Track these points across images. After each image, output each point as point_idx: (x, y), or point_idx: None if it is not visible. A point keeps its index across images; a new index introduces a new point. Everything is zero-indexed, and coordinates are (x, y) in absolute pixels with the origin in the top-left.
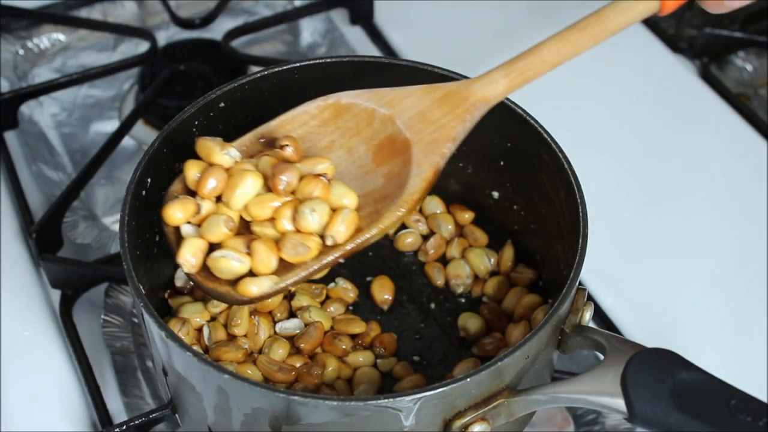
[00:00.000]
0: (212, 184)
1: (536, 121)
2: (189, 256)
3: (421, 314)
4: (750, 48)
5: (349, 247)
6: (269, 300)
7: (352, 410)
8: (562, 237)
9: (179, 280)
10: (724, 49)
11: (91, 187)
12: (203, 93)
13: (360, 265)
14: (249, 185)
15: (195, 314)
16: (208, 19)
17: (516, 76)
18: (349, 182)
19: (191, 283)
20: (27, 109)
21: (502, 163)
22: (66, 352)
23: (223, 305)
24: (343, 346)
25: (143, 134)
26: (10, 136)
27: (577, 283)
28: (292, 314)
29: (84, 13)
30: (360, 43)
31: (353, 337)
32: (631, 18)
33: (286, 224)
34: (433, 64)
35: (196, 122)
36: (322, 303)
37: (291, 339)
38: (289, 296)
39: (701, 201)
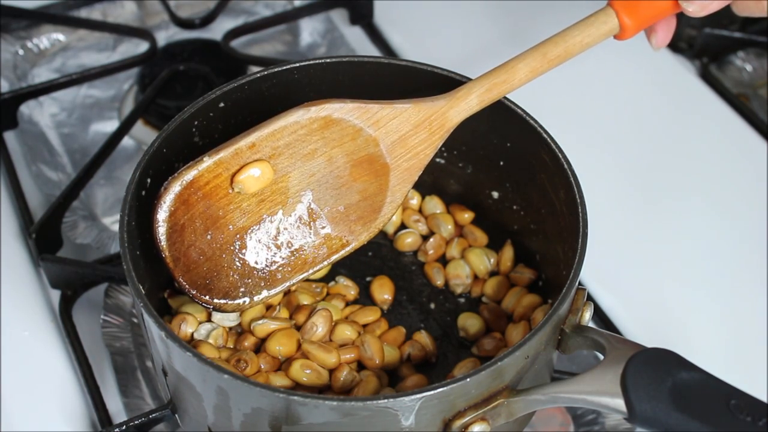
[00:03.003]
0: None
1: (536, 121)
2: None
3: (421, 314)
4: (750, 48)
5: (325, 262)
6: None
7: (352, 410)
8: (562, 237)
9: None
10: (723, 49)
11: (91, 187)
12: (203, 93)
13: (360, 265)
14: None
15: (195, 314)
16: (207, 19)
17: (488, 100)
18: (325, 191)
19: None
20: (27, 109)
21: (502, 163)
22: (66, 353)
23: None
24: (347, 332)
25: (143, 134)
26: (9, 136)
27: (576, 283)
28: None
29: (84, 13)
30: (360, 43)
31: (364, 326)
32: (591, 41)
33: None
34: (433, 64)
35: (196, 122)
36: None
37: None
38: (289, 295)
39: (701, 201)
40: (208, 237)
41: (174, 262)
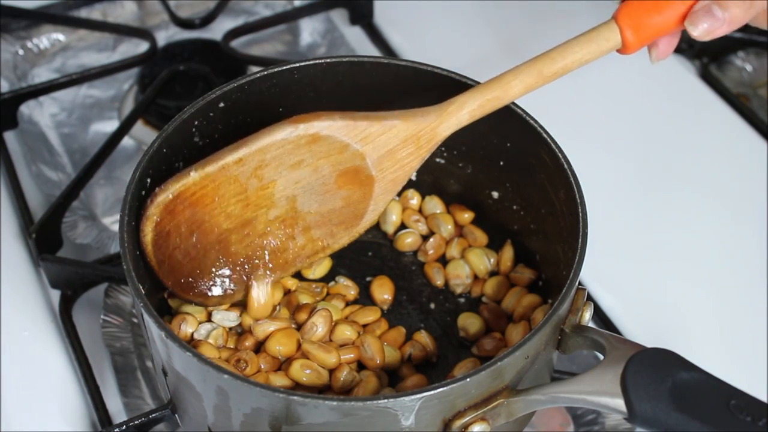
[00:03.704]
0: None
1: (536, 121)
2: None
3: (421, 314)
4: (750, 48)
5: (306, 262)
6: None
7: (352, 410)
8: (562, 237)
9: None
10: (724, 49)
11: (91, 187)
12: (203, 93)
13: (360, 265)
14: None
15: (195, 314)
16: (207, 19)
17: (479, 115)
18: (309, 196)
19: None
20: (27, 109)
21: (502, 163)
22: (66, 352)
23: (223, 306)
24: (347, 332)
25: (143, 134)
26: (9, 136)
27: (576, 283)
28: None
29: (84, 13)
30: (360, 44)
31: (364, 326)
32: (591, 58)
33: None
34: (432, 64)
35: (196, 122)
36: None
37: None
38: (289, 295)
39: (701, 201)
40: (193, 240)
41: (159, 264)
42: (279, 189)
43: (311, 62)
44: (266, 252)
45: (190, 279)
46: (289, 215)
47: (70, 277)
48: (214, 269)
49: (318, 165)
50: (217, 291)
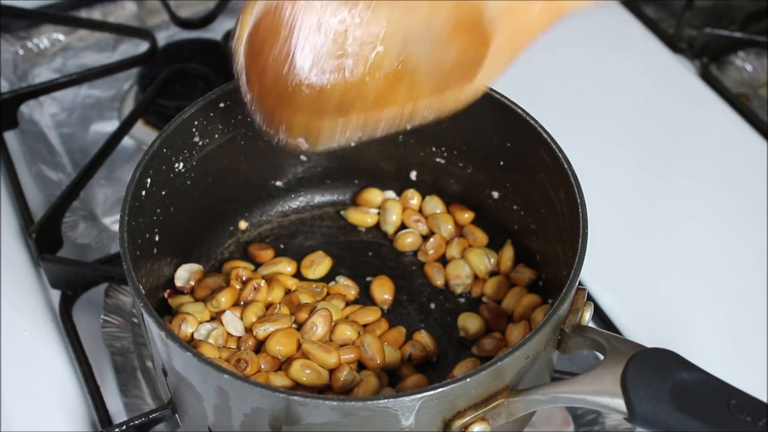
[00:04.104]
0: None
1: (536, 121)
2: None
3: (421, 314)
4: (750, 48)
5: (399, 127)
6: (270, 298)
7: (352, 410)
8: (562, 237)
9: (179, 280)
10: (724, 49)
11: (91, 187)
12: (203, 93)
13: (360, 265)
14: None
15: (195, 314)
16: (207, 19)
17: None
18: (418, 45)
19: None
20: (27, 109)
21: (502, 163)
22: (66, 352)
23: (223, 305)
24: (348, 332)
25: (143, 134)
26: (10, 136)
27: (577, 283)
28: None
29: (84, 13)
30: None
31: (364, 326)
32: None
33: None
34: None
35: (196, 122)
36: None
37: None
38: (290, 295)
39: (701, 201)
40: (287, 56)
41: (247, 67)
42: (389, 28)
43: None
44: (359, 98)
45: (274, 101)
46: (393, 63)
47: (70, 277)
48: (301, 100)
49: (434, 9)
50: (300, 127)
